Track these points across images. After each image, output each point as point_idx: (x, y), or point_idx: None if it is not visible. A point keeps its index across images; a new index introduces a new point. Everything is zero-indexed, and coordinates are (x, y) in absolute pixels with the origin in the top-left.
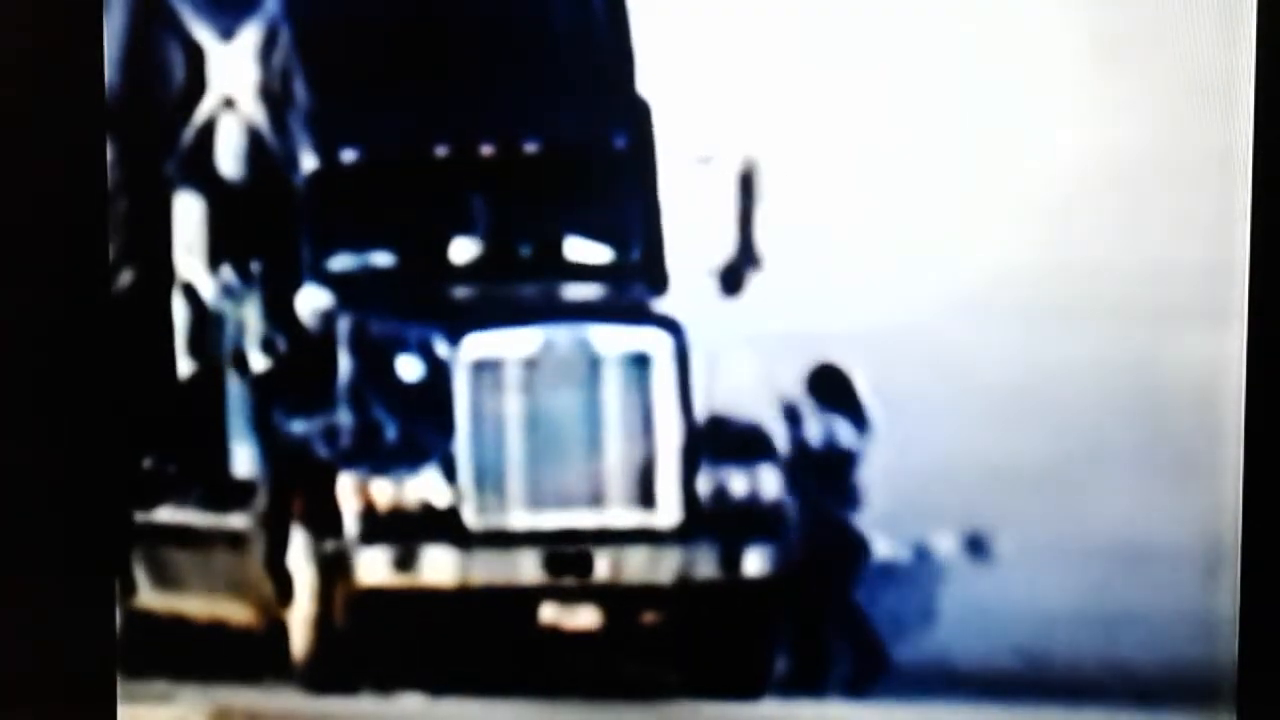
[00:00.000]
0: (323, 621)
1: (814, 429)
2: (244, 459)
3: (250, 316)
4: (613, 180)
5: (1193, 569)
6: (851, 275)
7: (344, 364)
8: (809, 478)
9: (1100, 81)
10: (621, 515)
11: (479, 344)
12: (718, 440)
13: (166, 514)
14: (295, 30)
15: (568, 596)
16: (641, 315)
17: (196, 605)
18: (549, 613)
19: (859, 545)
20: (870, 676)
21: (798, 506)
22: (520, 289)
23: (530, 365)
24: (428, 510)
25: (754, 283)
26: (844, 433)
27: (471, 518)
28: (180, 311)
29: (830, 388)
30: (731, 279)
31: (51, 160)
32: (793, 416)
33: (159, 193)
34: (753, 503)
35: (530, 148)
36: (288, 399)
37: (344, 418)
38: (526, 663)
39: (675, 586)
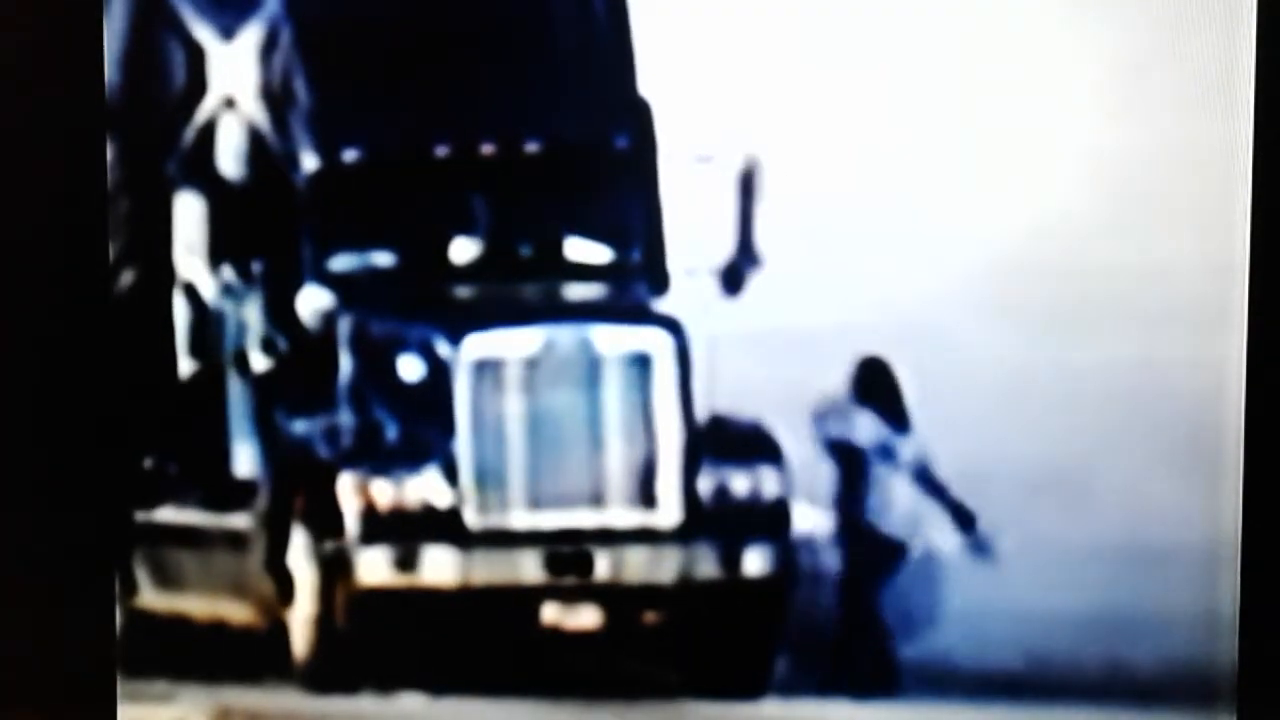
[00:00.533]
0: (323, 621)
1: (852, 429)
2: (245, 459)
3: (251, 316)
4: (613, 180)
5: (1193, 569)
6: (851, 275)
7: (345, 364)
8: (844, 480)
9: (1100, 82)
10: (622, 515)
11: (480, 344)
12: (719, 440)
13: (167, 514)
14: (296, 30)
15: (569, 596)
16: (642, 315)
17: (197, 605)
18: (550, 613)
19: (899, 549)
20: (890, 681)
21: (834, 512)
22: (521, 289)
23: (531, 365)
24: (428, 510)
25: (755, 282)
26: (882, 434)
27: (472, 518)
28: (181, 311)
29: (873, 386)
30: (732, 278)
31: (51, 160)
32: (826, 415)
33: (160, 193)
34: (754, 502)
35: (531, 147)
36: (289, 399)
37: (345, 418)
38: (527, 663)
39: (676, 586)
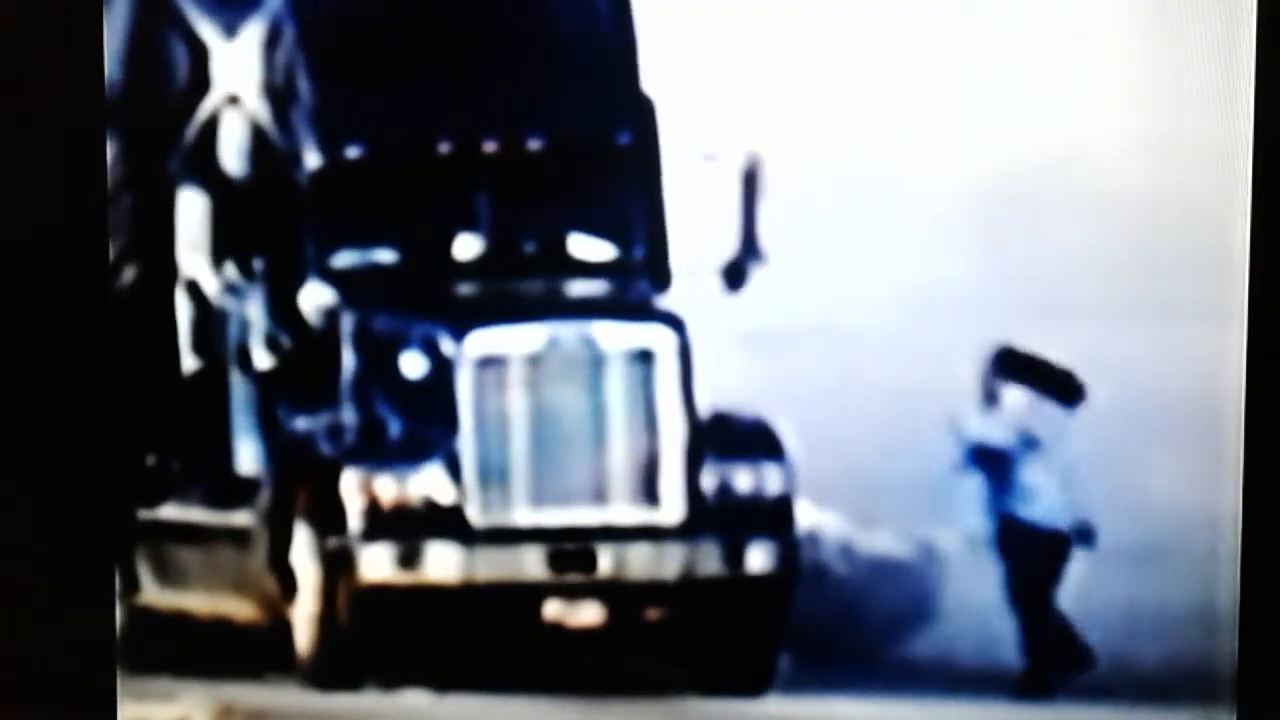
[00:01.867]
0: (326, 618)
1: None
2: (248, 456)
3: (254, 313)
4: (616, 177)
5: (1193, 566)
6: (854, 271)
7: (348, 361)
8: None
9: (1101, 81)
10: (625, 512)
11: (483, 341)
12: (721, 436)
13: (170, 511)
14: (299, 27)
15: (571, 593)
16: (645, 312)
17: (200, 602)
18: (553, 609)
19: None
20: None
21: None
22: (524, 286)
23: (534, 362)
24: (431, 507)
25: (757, 278)
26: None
27: (475, 514)
28: (184, 308)
29: (1016, 374)
30: (735, 275)
31: (52, 158)
32: (963, 421)
33: (162, 189)
34: (757, 499)
35: (534, 144)
36: (291, 396)
37: (348, 415)
38: (530, 659)
39: (679, 583)
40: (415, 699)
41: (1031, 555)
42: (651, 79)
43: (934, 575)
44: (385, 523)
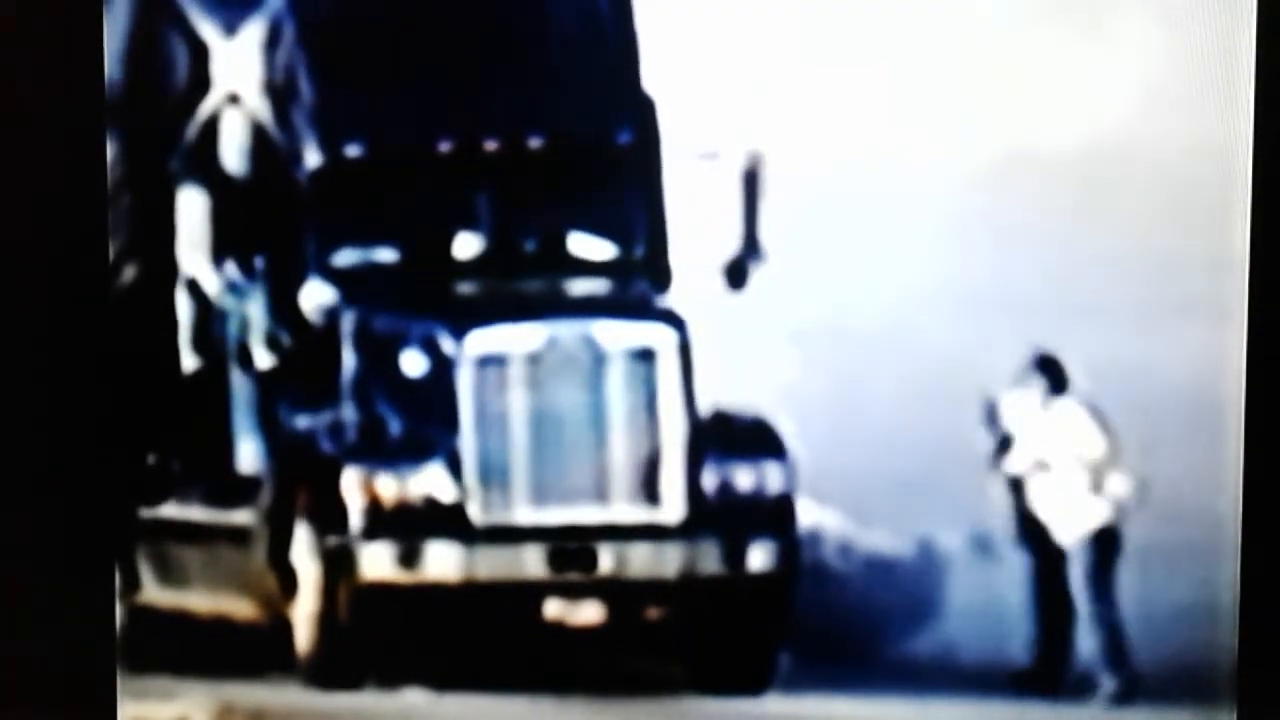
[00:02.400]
0: (327, 617)
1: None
2: (248, 455)
3: (254, 312)
4: (617, 176)
5: (1193, 565)
6: (855, 270)
7: (348, 360)
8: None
9: (1101, 80)
10: (626, 511)
11: (483, 340)
12: (722, 435)
13: (171, 510)
14: (299, 26)
15: (572, 592)
16: (646, 310)
17: (200, 601)
18: (553, 608)
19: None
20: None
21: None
22: (524, 285)
23: (535, 361)
24: (432, 506)
25: (758, 277)
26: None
27: (476, 513)
28: (184, 307)
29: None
30: (736, 274)
31: (52, 157)
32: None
33: (163, 188)
34: (758, 498)
35: (534, 143)
36: (292, 395)
37: (348, 413)
38: (531, 658)
39: (679, 582)
40: (415, 698)
41: (1050, 555)
42: (652, 78)
43: (935, 574)
44: (386, 521)
